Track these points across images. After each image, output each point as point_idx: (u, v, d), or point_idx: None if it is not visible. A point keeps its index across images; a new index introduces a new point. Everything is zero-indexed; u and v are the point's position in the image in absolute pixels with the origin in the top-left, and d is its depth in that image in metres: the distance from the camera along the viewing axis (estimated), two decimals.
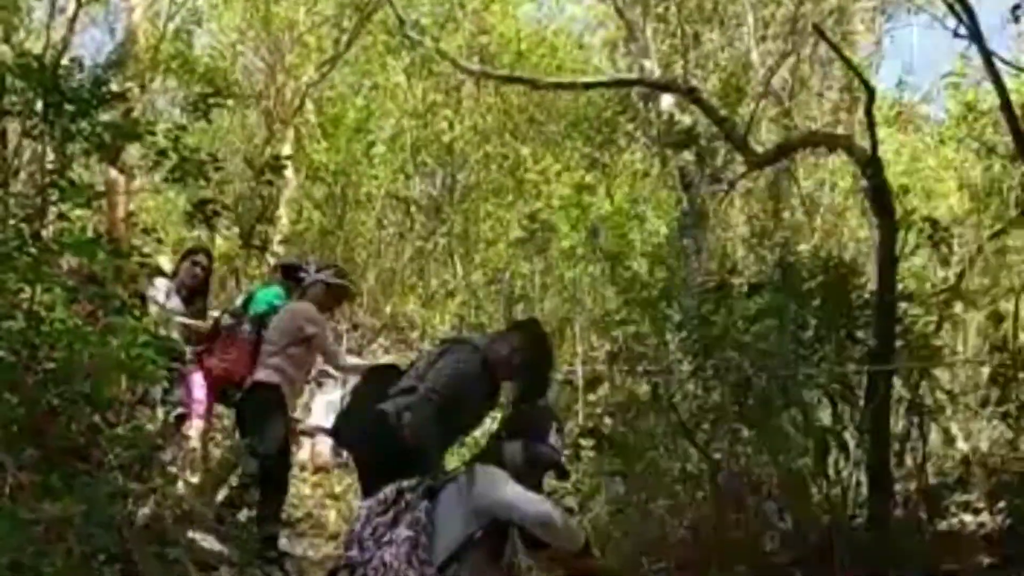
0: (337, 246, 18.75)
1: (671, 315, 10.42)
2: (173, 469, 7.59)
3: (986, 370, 12.10)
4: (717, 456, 10.10)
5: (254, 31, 19.12)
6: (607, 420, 12.38)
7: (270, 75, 18.72)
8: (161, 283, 8.69)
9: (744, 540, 10.18)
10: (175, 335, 8.23)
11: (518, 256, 16.22)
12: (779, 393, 9.04)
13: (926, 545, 9.53)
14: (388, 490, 4.51)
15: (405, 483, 4.52)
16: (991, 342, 11.42)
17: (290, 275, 8.38)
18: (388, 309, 17.82)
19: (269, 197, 10.57)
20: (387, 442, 6.04)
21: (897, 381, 10.19)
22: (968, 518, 11.24)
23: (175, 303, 8.72)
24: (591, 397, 13.77)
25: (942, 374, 11.71)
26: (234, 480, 8.20)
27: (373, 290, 18.17)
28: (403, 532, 4.30)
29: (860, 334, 9.54)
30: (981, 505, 11.34)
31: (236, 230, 9.58)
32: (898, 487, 10.61)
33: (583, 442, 11.90)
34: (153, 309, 8.28)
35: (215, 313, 9.02)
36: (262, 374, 7.49)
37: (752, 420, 9.47)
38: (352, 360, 8.34)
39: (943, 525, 10.95)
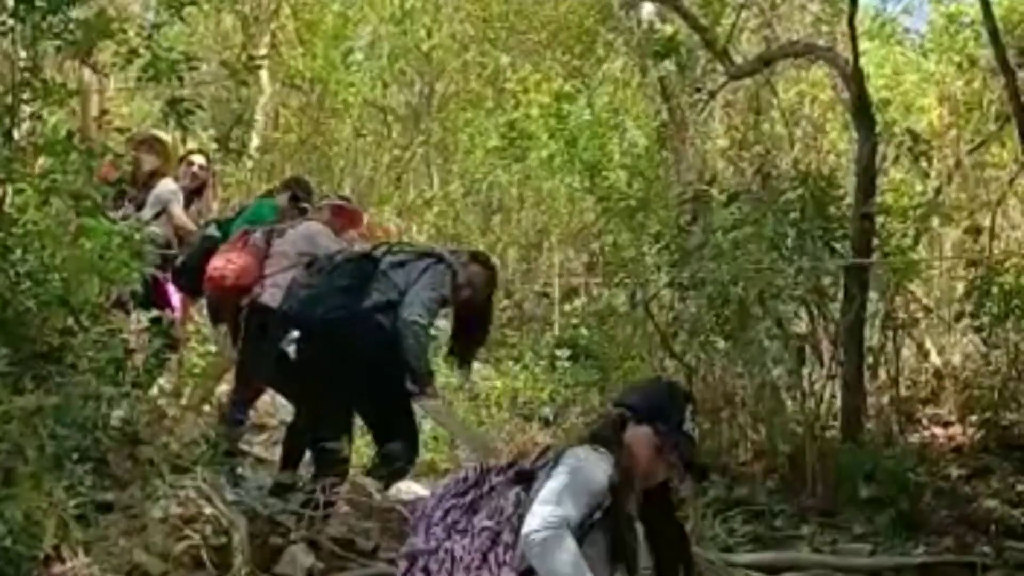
0: (313, 154, 18.60)
1: (650, 225, 10.38)
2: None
3: (959, 284, 12.19)
4: (692, 365, 10.17)
5: None
6: (583, 331, 12.44)
7: None
8: (173, 185, 8.54)
9: (718, 450, 10.28)
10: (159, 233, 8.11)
11: (496, 166, 16.14)
12: (756, 303, 9.04)
13: (897, 457, 9.63)
14: (470, 469, 3.75)
15: (493, 463, 3.73)
16: (967, 256, 11.43)
17: (297, 195, 8.25)
18: (365, 219, 17.74)
19: (246, 100, 10.43)
20: (375, 346, 6.04)
21: (873, 295, 10.25)
22: (939, 431, 11.36)
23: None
24: (567, 308, 13.77)
25: (918, 288, 11.76)
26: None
27: (350, 199, 18.06)
28: (482, 522, 3.52)
29: (837, 246, 9.55)
30: (952, 418, 11.47)
31: (212, 132, 9.45)
32: (871, 400, 10.72)
33: (559, 352, 11.98)
34: (147, 213, 8.19)
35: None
36: (267, 296, 7.21)
37: (728, 331, 9.51)
38: None
39: (914, 437, 11.08)
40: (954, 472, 9.87)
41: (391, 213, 17.98)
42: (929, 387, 12.08)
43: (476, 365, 11.67)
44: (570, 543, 3.31)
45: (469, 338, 6.75)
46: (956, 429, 11.19)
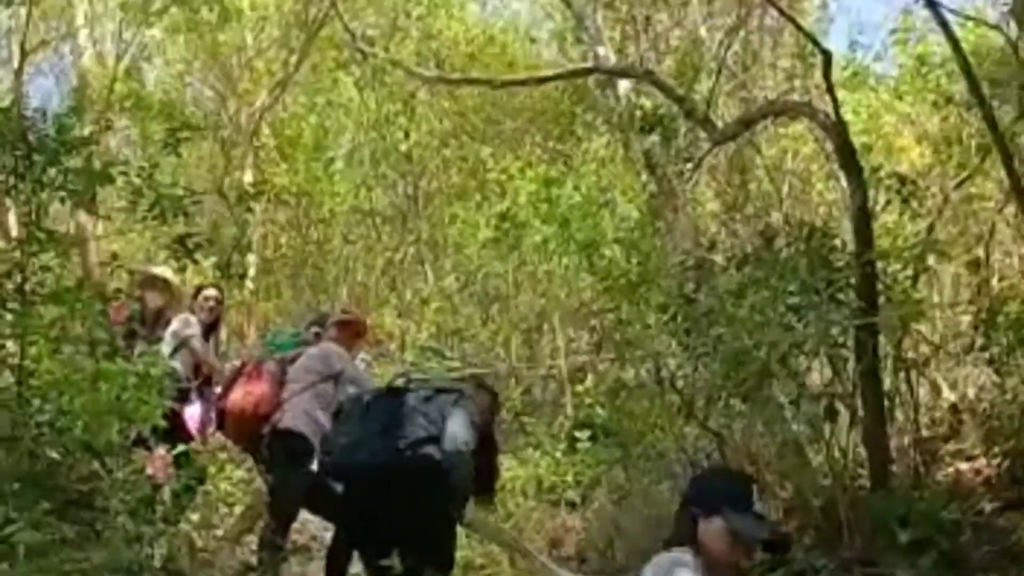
0: (306, 267, 18.71)
1: (652, 298, 10.42)
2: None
3: (963, 318, 12.25)
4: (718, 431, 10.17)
5: (200, 60, 19.06)
6: (599, 409, 12.43)
7: (222, 103, 18.69)
8: (193, 320, 8.66)
9: None
10: (179, 368, 8.21)
11: (490, 257, 16.23)
12: (773, 364, 9.06)
13: (927, 497, 9.61)
14: None
15: None
16: (971, 289, 11.50)
17: (319, 324, 8.49)
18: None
19: (242, 224, 10.56)
20: (425, 483, 6.13)
21: (881, 339, 10.28)
22: (964, 466, 11.34)
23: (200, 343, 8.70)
24: (578, 388, 13.77)
25: (923, 327, 11.79)
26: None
27: (347, 306, 18.11)
28: None
29: (842, 296, 9.59)
30: (976, 452, 11.45)
31: (212, 259, 9.53)
32: (893, 443, 10.72)
33: (577, 434, 11.97)
34: (165, 349, 8.25)
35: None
36: (288, 420, 7.37)
37: (746, 393, 9.51)
38: None
39: (940, 476, 11.05)
40: (987, 507, 9.82)
41: (390, 315, 18.04)
42: (947, 423, 12.05)
43: None
44: None
45: (488, 465, 6.88)
46: (981, 462, 11.15)
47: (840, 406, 10.03)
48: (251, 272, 14.48)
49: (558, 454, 12.28)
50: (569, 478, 11.71)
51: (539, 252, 14.48)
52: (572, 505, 11.64)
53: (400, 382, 6.67)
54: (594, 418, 12.44)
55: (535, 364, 16.72)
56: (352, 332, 8.17)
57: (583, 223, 12.79)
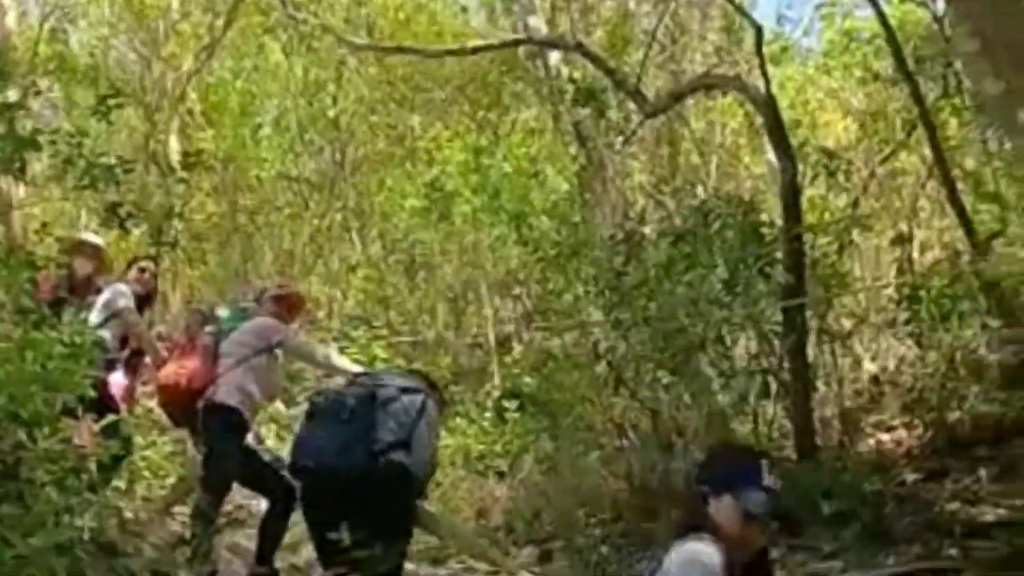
0: (233, 234, 18.54)
1: (582, 270, 10.47)
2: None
3: (886, 292, 12.43)
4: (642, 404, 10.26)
5: (125, 23, 18.76)
6: (527, 379, 12.46)
7: (147, 67, 18.43)
8: (128, 291, 8.52)
9: (676, 485, 10.36)
10: (107, 338, 8.09)
11: (417, 225, 16.19)
12: (702, 338, 9.16)
13: (851, 469, 9.77)
14: None
15: None
16: (895, 264, 11.67)
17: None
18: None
19: (174, 192, 10.42)
20: (396, 489, 6.09)
21: (808, 312, 10.42)
22: (885, 436, 11.53)
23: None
24: (506, 358, 13.79)
25: (847, 300, 11.95)
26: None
27: (273, 274, 17.99)
28: None
29: (770, 271, 9.70)
30: (896, 423, 11.65)
31: (144, 228, 9.41)
32: (816, 414, 10.87)
33: (506, 404, 11.99)
34: (93, 318, 8.11)
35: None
36: (221, 394, 7.30)
37: (674, 366, 9.60)
38: (333, 355, 8.08)
39: (863, 446, 11.24)
40: (909, 477, 10.01)
41: (317, 283, 17.95)
42: (869, 395, 12.24)
43: None
44: None
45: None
46: (902, 433, 11.35)
47: (768, 379, 10.21)
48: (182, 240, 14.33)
49: (485, 423, 12.28)
50: (497, 448, 11.73)
51: (468, 222, 14.47)
52: (500, 475, 11.67)
53: (369, 384, 6.56)
54: (522, 388, 12.46)
55: (462, 333, 16.74)
56: (289, 306, 8.09)
57: (512, 194, 12.80)
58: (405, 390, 6.41)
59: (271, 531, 7.44)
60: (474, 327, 16.77)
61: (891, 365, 12.29)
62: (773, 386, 10.31)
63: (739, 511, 3.54)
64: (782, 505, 3.69)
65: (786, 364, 10.07)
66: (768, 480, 3.62)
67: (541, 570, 9.48)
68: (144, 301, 8.86)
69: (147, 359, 8.48)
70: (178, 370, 7.50)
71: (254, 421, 7.86)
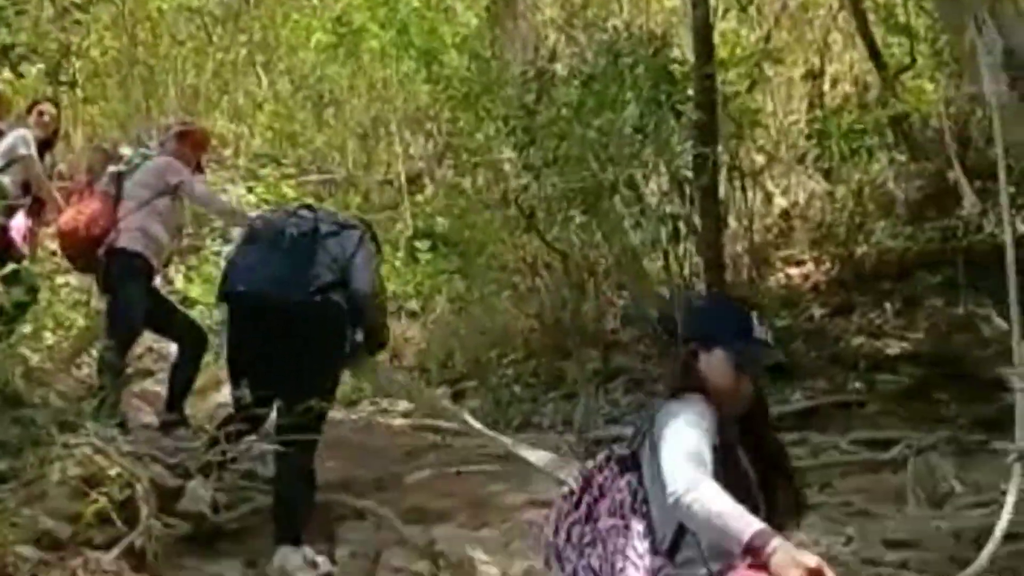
0: (134, 69, 18.00)
1: (493, 109, 10.32)
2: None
3: (797, 127, 12.47)
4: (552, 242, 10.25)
5: None
6: (439, 219, 12.39)
7: None
8: (30, 138, 8.21)
9: (587, 322, 10.46)
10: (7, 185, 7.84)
11: (325, 60, 15.82)
12: (611, 177, 9.11)
13: (761, 305, 9.91)
14: (572, 480, 3.47)
15: (591, 463, 3.45)
16: (806, 99, 11.68)
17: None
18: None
19: (69, 29, 9.98)
20: (328, 327, 5.87)
21: (719, 146, 10.42)
22: (794, 271, 11.70)
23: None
24: (417, 197, 13.68)
25: (758, 135, 11.94)
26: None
27: (177, 110, 17.56)
28: (607, 523, 3.29)
29: (681, 108, 9.64)
30: (805, 257, 11.81)
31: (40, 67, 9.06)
32: (727, 249, 10.97)
33: (418, 244, 11.94)
34: None
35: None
36: (123, 238, 7.06)
37: (585, 206, 9.56)
38: (231, 202, 7.81)
39: (772, 281, 11.40)
40: (817, 312, 10.20)
41: (222, 119, 17.58)
42: (779, 229, 12.35)
43: None
44: (716, 488, 3.03)
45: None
46: (810, 267, 11.53)
47: (678, 217, 10.26)
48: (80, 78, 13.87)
49: (397, 263, 12.18)
50: (409, 288, 11.69)
51: (376, 59, 14.17)
52: (412, 315, 11.67)
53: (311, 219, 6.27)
54: (434, 228, 12.39)
55: (372, 170, 16.54)
56: (192, 143, 7.81)
57: (421, 29, 12.52)
58: (344, 225, 6.18)
59: (181, 377, 7.32)
60: (384, 164, 16.57)
61: (801, 200, 12.36)
62: (684, 224, 10.37)
63: (730, 364, 3.39)
64: (774, 355, 3.58)
65: (697, 202, 10.10)
66: (759, 331, 3.46)
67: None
68: (45, 145, 8.59)
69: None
70: (76, 216, 7.20)
71: (160, 264, 7.63)
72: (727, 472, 3.20)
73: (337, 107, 17.33)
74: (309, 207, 6.65)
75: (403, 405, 9.64)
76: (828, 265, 11.21)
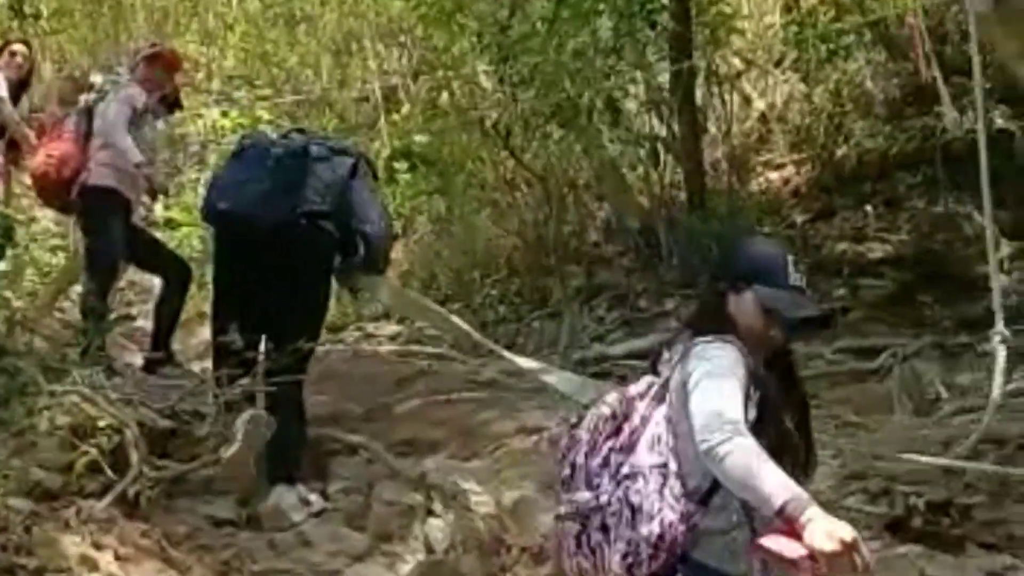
0: None
1: (467, 25, 10.20)
2: None
3: (772, 31, 12.37)
4: (530, 158, 10.19)
5: None
6: (416, 138, 12.27)
7: None
8: (1, 81, 8.08)
9: (570, 238, 10.44)
10: None
11: None
12: (588, 91, 9.05)
13: (742, 212, 9.90)
14: (612, 399, 3.28)
15: (633, 388, 3.27)
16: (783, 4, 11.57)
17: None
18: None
19: None
20: (320, 248, 5.73)
21: (695, 54, 10.34)
22: (774, 175, 11.66)
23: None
24: (394, 116, 13.55)
25: (735, 38, 11.82)
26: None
27: (147, 35, 17.33)
28: (646, 458, 3.12)
29: (656, 17, 9.54)
30: (784, 160, 11.76)
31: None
32: (706, 155, 10.94)
33: (396, 165, 11.85)
34: None
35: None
36: (95, 176, 6.90)
37: (563, 120, 9.50)
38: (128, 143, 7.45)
39: (753, 186, 11.36)
40: (798, 218, 10.18)
41: (193, 42, 17.37)
42: (758, 133, 12.28)
43: None
44: (752, 443, 2.92)
45: None
46: (790, 171, 11.48)
47: (657, 126, 10.23)
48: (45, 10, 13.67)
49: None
50: (390, 209, 11.58)
51: None
52: (395, 237, 11.59)
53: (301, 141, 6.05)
54: (412, 147, 12.29)
55: (347, 87, 16.38)
56: (164, 65, 7.62)
57: None
58: (335, 150, 5.98)
59: (166, 312, 7.26)
60: (360, 81, 16.40)
61: (779, 103, 12.27)
62: (663, 132, 10.32)
63: (761, 310, 3.22)
64: (808, 306, 3.32)
65: (675, 111, 10.05)
66: (795, 276, 3.27)
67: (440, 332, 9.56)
68: (20, 86, 8.48)
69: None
70: (47, 159, 7.06)
71: (138, 197, 7.49)
72: (765, 424, 3.09)
73: (309, 23, 17.12)
74: (300, 130, 6.50)
75: (390, 329, 9.65)
76: (808, 168, 11.16)
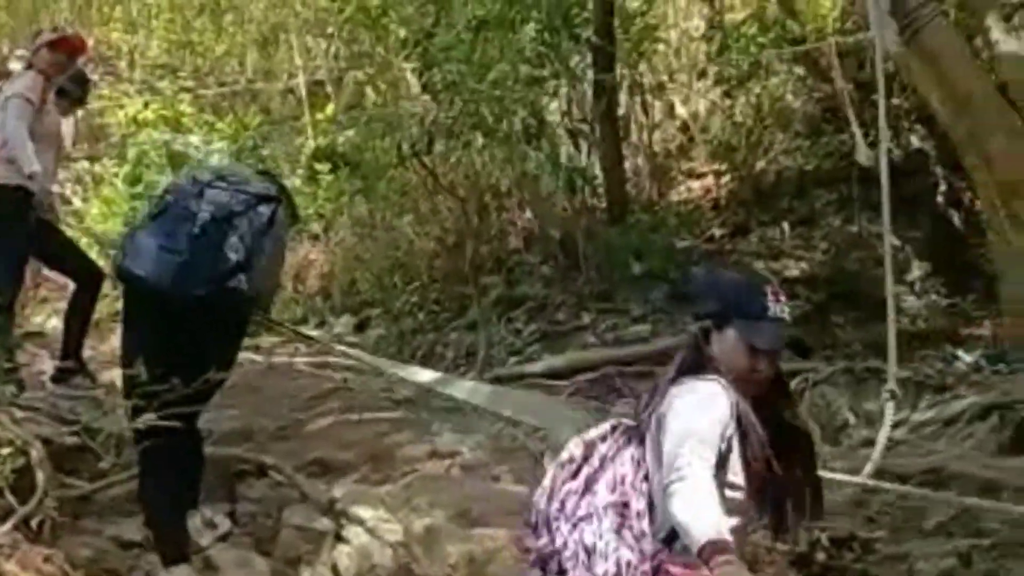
0: None
1: (392, 29, 10.17)
2: None
3: (696, 44, 12.48)
4: (454, 163, 10.17)
5: None
6: (340, 138, 12.20)
7: None
8: None
9: (492, 242, 10.45)
10: None
11: None
12: (511, 100, 9.07)
13: (662, 226, 10.00)
14: (573, 446, 3.26)
15: (594, 431, 3.25)
16: (709, 14, 11.67)
17: None
18: (91, 41, 16.81)
19: None
20: (226, 320, 5.42)
21: (619, 65, 10.40)
22: (695, 184, 11.77)
23: None
24: (319, 115, 13.47)
25: (659, 47, 11.90)
26: None
27: (71, 23, 17.07)
28: (605, 499, 3.12)
29: (580, 30, 9.59)
30: (705, 170, 11.87)
31: None
32: (628, 164, 11.02)
33: (318, 166, 11.80)
34: None
35: None
36: None
37: (486, 129, 9.49)
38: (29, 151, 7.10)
39: (673, 196, 11.46)
40: (717, 232, 10.28)
41: (117, 29, 17.17)
42: (679, 143, 12.39)
43: None
44: (701, 483, 2.91)
45: None
46: (710, 181, 11.59)
47: (579, 136, 10.28)
48: None
49: (298, 181, 11.96)
50: (310, 210, 11.51)
51: None
52: (315, 238, 11.55)
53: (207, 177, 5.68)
54: (335, 147, 12.20)
55: (273, 78, 16.26)
56: (69, 50, 7.29)
57: None
58: (260, 198, 5.62)
59: (78, 318, 7.03)
60: (285, 73, 16.29)
61: (702, 113, 12.38)
62: (584, 143, 10.38)
63: (744, 345, 3.13)
64: (791, 334, 3.25)
65: (597, 120, 10.13)
66: (775, 309, 3.15)
67: (359, 339, 9.54)
68: None
69: None
70: None
71: (48, 193, 7.16)
72: (750, 462, 3.06)
73: (236, 13, 16.98)
74: (223, 178, 5.99)
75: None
76: (728, 179, 11.28)
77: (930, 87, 6.47)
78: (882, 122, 5.34)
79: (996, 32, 5.78)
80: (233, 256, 5.25)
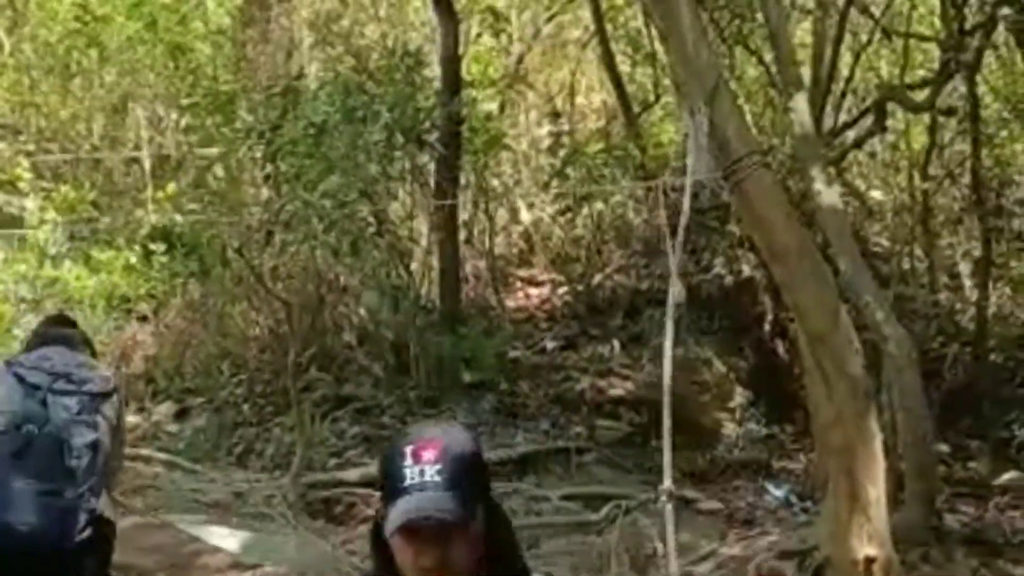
0: None
1: (240, 117, 10.09)
2: None
3: (541, 154, 12.74)
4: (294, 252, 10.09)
5: None
6: (178, 218, 11.99)
7: None
8: None
9: (323, 338, 10.36)
10: None
11: (74, 35, 15.19)
12: (356, 192, 9.07)
13: (494, 336, 10.06)
14: None
15: None
16: (553, 138, 11.92)
17: None
18: None
19: None
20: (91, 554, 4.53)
21: (467, 167, 10.52)
22: (533, 291, 11.90)
23: None
24: (159, 194, 13.24)
25: (506, 153, 12.04)
26: None
27: None
28: None
29: (427, 137, 9.67)
30: (544, 278, 12.03)
31: None
32: (468, 266, 11.09)
33: (153, 247, 11.57)
34: None
35: None
36: None
37: (328, 222, 9.45)
38: None
39: (511, 302, 11.56)
40: (549, 344, 10.37)
41: None
42: (519, 249, 12.52)
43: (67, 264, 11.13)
44: None
45: None
46: (547, 290, 11.73)
47: (418, 236, 10.33)
48: None
49: (133, 259, 11.65)
50: (142, 291, 11.23)
51: (123, 49, 13.68)
52: (143, 318, 11.28)
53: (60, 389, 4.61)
54: (174, 227, 11.97)
55: (119, 147, 15.98)
56: None
57: (170, 22, 12.15)
58: (98, 396, 4.53)
59: None
60: (133, 141, 16.04)
61: (545, 221, 12.54)
62: (424, 242, 10.45)
63: (392, 531, 2.18)
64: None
65: (438, 222, 10.20)
66: (411, 473, 2.18)
67: (178, 429, 9.34)
68: None
69: None
70: None
71: None
72: None
73: (85, 78, 16.70)
74: (68, 379, 4.89)
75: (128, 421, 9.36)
76: (565, 290, 11.43)
77: (751, 230, 6.64)
78: (674, 273, 5.46)
79: (819, 183, 5.95)
80: (83, 479, 4.10)
